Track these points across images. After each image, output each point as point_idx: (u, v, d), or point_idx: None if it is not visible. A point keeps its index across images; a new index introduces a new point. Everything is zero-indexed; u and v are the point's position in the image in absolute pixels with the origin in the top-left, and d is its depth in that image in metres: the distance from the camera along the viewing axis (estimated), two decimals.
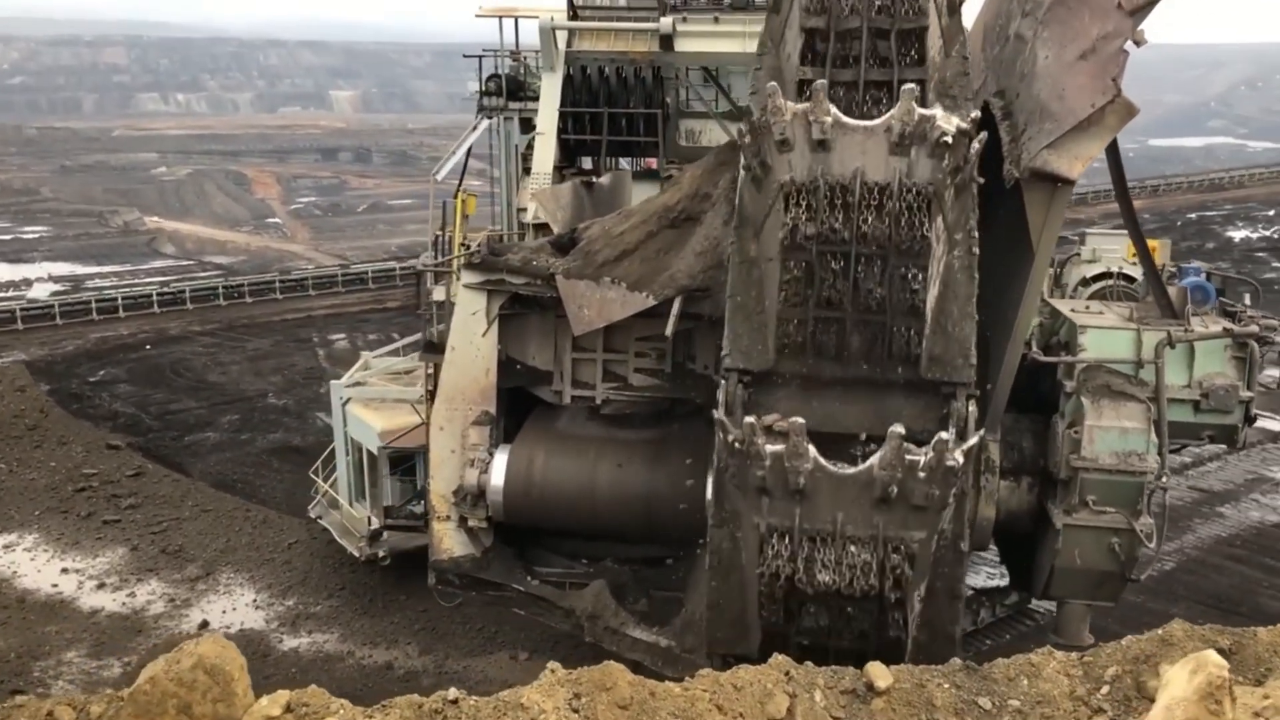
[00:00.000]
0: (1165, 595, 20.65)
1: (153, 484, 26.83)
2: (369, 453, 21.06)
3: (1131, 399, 11.82)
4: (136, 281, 51.89)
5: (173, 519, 24.76)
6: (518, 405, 14.40)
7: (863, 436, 10.80)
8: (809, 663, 8.56)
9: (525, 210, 19.34)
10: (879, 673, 8.32)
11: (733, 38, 19.56)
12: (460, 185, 21.76)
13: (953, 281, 10.48)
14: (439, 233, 20.44)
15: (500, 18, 24.07)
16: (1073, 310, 13.21)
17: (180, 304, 45.47)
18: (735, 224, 11.04)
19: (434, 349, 14.88)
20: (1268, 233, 67.70)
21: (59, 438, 29.90)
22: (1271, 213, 74.48)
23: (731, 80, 24.01)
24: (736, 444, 10.25)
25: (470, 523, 13.94)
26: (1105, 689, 8.19)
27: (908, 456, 9.96)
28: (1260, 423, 13.31)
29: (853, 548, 10.41)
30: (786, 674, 8.34)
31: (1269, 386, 13.45)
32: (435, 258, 19.62)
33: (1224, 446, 13.98)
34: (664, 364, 14.04)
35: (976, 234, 10.51)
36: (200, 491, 26.43)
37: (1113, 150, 11.89)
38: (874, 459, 10.08)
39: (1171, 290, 13.00)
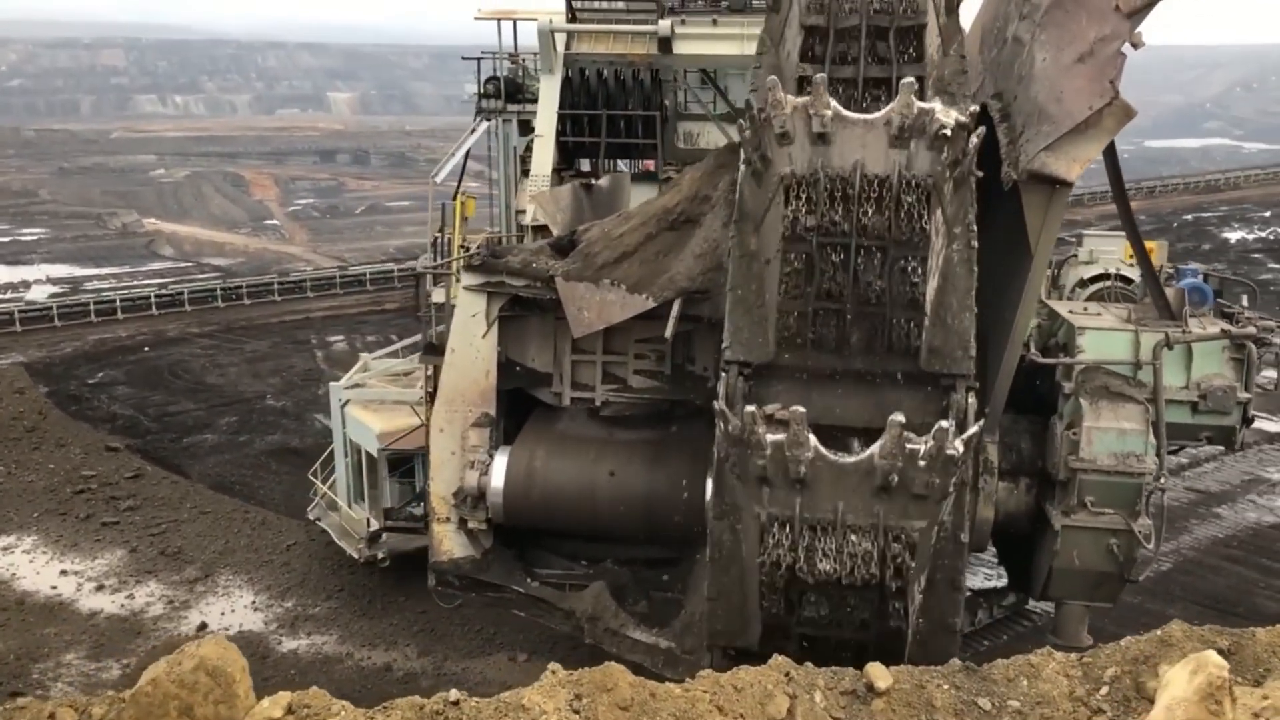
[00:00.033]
0: (1162, 596, 20.70)
1: (151, 486, 26.83)
2: (368, 454, 21.07)
3: (1130, 400, 11.85)
4: (135, 283, 51.85)
5: (171, 521, 24.76)
6: (517, 407, 14.42)
7: (862, 429, 10.83)
8: (809, 663, 8.58)
9: (524, 212, 19.37)
10: (879, 673, 8.34)
11: (731, 40, 19.61)
12: (459, 187, 21.80)
13: (952, 274, 10.52)
14: (438, 235, 20.47)
15: (499, 20, 24.13)
16: (1071, 311, 13.23)
17: (178, 306, 45.43)
18: (735, 218, 11.08)
19: (434, 351, 14.89)
20: (1263, 234, 67.79)
21: (57, 439, 29.90)
22: (1267, 214, 74.58)
23: (729, 82, 24.08)
24: (737, 434, 10.27)
25: (470, 524, 13.95)
26: (1104, 689, 8.22)
27: (908, 445, 9.97)
28: (1257, 424, 13.34)
29: (853, 537, 10.41)
30: (787, 675, 8.36)
31: (1266, 388, 13.48)
32: (434, 260, 19.65)
33: (1221, 447, 14.01)
34: (663, 366, 14.08)
35: (975, 228, 10.55)
36: (199, 493, 26.44)
37: (1110, 152, 11.93)
38: (874, 448, 10.09)
39: (1169, 292, 13.03)
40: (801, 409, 10.03)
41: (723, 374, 10.96)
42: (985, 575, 19.74)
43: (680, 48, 19.81)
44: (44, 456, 28.63)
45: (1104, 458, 11.71)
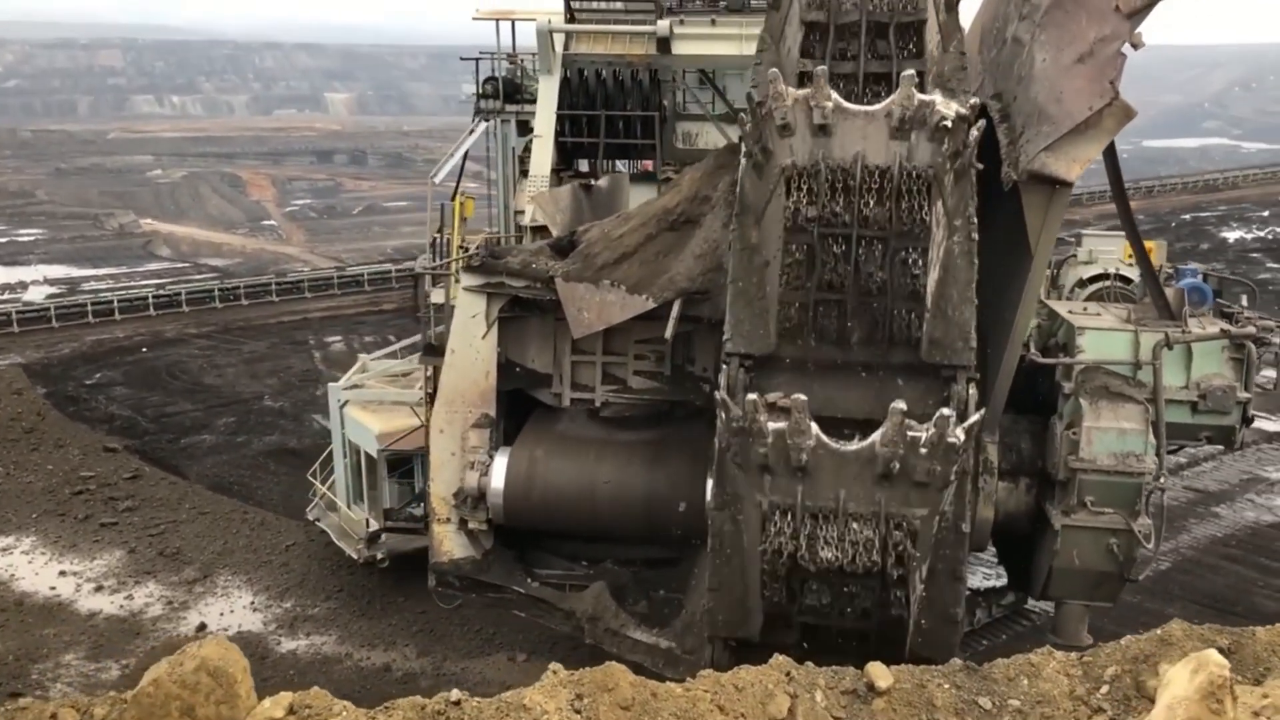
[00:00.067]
0: (1161, 595, 20.72)
1: (150, 486, 26.82)
2: (367, 455, 21.06)
3: (1129, 400, 11.86)
4: (132, 284, 51.81)
5: (170, 521, 24.75)
6: (517, 408, 14.42)
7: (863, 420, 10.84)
8: (809, 663, 8.58)
9: (523, 213, 19.37)
10: (880, 673, 8.34)
11: (729, 40, 19.63)
12: (458, 188, 21.79)
13: (953, 266, 10.55)
14: (436, 235, 20.46)
15: (497, 20, 24.11)
16: (1070, 312, 13.24)
17: (176, 306, 45.42)
18: (736, 211, 11.11)
19: (433, 352, 14.89)
20: (1262, 233, 67.86)
21: (56, 440, 29.88)
22: (1266, 214, 74.66)
23: (728, 82, 24.10)
24: (738, 422, 10.28)
25: (470, 525, 13.96)
26: (1105, 689, 8.22)
27: (909, 433, 10.00)
28: (1256, 423, 13.35)
29: (855, 524, 10.43)
30: (788, 674, 8.36)
31: (1265, 387, 13.50)
32: (433, 260, 19.63)
33: (1219, 446, 14.02)
34: (663, 366, 14.09)
35: (976, 220, 10.58)
36: (197, 494, 26.43)
37: (1110, 153, 11.94)
38: (876, 435, 10.12)
39: (1169, 292, 13.04)
40: (803, 397, 10.07)
41: (724, 366, 10.98)
42: (983, 575, 19.76)
43: (679, 48, 19.82)
44: (42, 457, 28.61)
45: (1104, 458, 11.72)
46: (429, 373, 15.13)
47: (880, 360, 11.00)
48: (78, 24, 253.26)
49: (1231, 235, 66.96)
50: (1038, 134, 10.75)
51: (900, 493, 10.30)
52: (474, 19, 24.04)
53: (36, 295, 49.78)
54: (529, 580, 14.11)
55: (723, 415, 10.47)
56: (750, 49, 15.95)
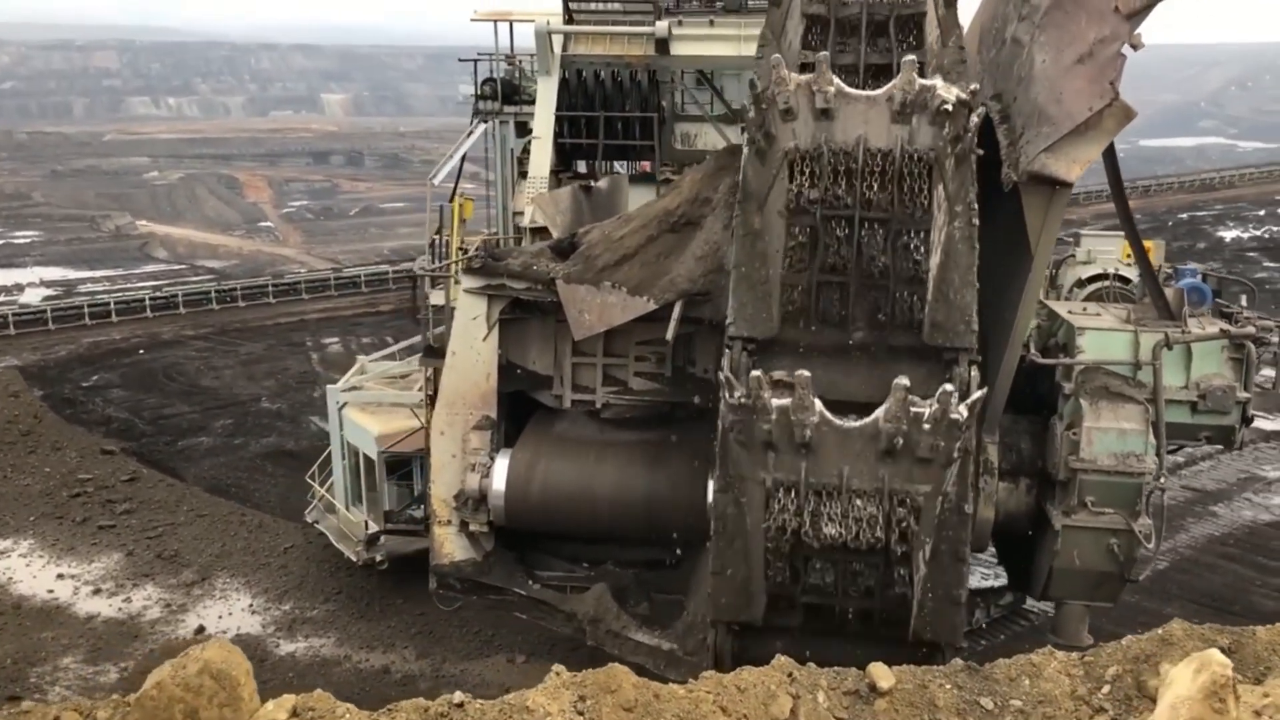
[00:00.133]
0: (1159, 595, 20.73)
1: (147, 489, 26.76)
2: (366, 457, 21.04)
3: (1130, 400, 11.90)
4: (129, 286, 51.74)
5: (168, 524, 24.69)
6: (518, 410, 14.43)
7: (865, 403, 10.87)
8: (811, 664, 8.59)
9: (521, 214, 19.38)
10: (881, 673, 8.35)
11: (727, 41, 19.66)
12: (456, 189, 21.79)
13: (954, 251, 10.64)
14: (435, 237, 20.45)
15: (495, 21, 24.09)
16: (1070, 312, 13.27)
17: (173, 308, 45.31)
18: (739, 198, 11.18)
19: (434, 353, 14.89)
20: (1259, 232, 67.95)
21: (53, 443, 29.81)
22: (1262, 213, 74.77)
23: (726, 83, 24.12)
24: (743, 399, 10.31)
25: (471, 527, 13.98)
26: (1106, 688, 8.23)
27: (912, 409, 10.05)
28: (1254, 422, 13.37)
29: (859, 501, 10.48)
30: (790, 675, 8.37)
31: (1264, 387, 13.52)
32: (432, 262, 19.63)
33: (1217, 445, 14.06)
34: (664, 368, 14.10)
35: (976, 205, 10.67)
36: (195, 496, 26.36)
37: (1109, 153, 11.96)
38: (879, 411, 10.19)
39: (1168, 292, 13.07)
40: (806, 373, 10.13)
41: (726, 349, 11.03)
42: (981, 574, 19.77)
43: (677, 49, 19.85)
44: (40, 460, 28.55)
45: (1104, 458, 11.75)
46: (429, 375, 15.13)
47: (882, 343, 11.07)
48: (73, 25, 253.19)
49: (1228, 234, 67.02)
50: (1038, 135, 10.78)
51: (903, 469, 10.36)
52: (472, 20, 24.02)
53: (33, 297, 49.71)
54: (530, 582, 14.13)
55: (726, 396, 10.51)
56: (748, 49, 16.00)
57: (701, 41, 19.95)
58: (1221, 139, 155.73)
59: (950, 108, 10.41)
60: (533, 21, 20.45)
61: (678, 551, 13.92)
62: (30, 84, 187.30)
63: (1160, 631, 8.60)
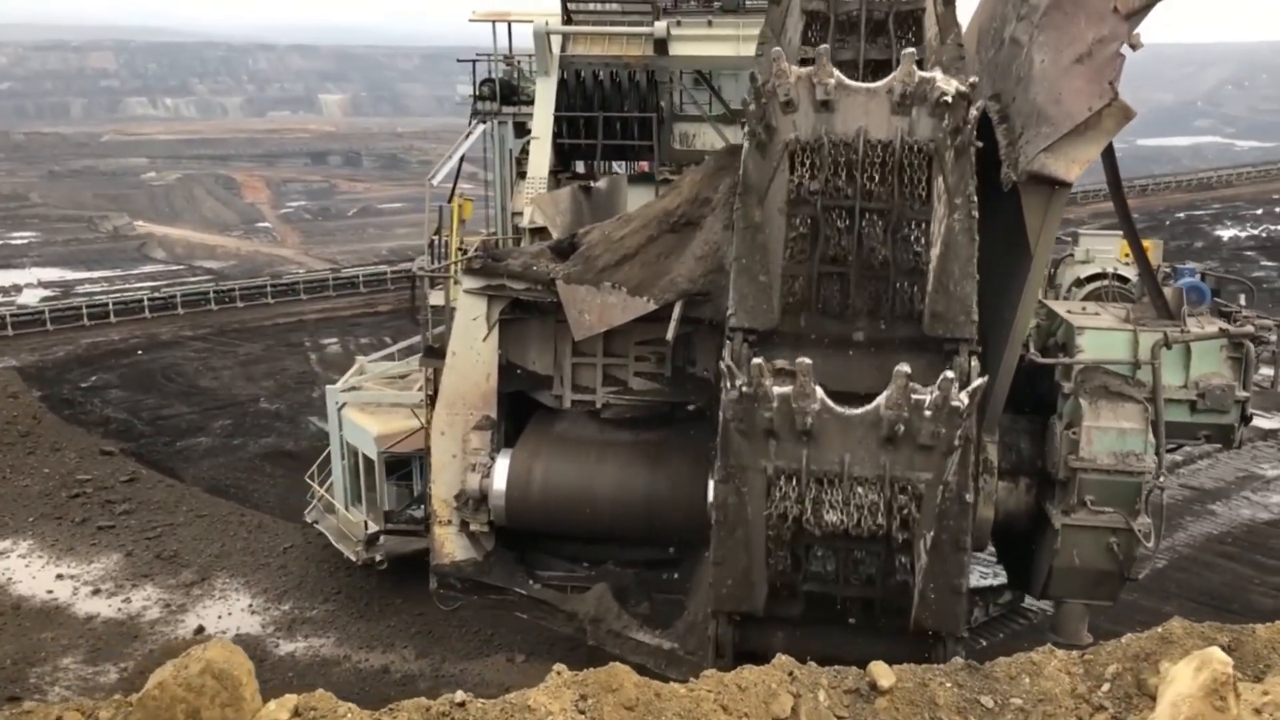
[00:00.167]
0: (1158, 593, 20.74)
1: (146, 489, 26.75)
2: (365, 457, 21.04)
3: (1129, 399, 11.92)
4: (127, 287, 51.72)
5: (167, 524, 24.68)
6: (518, 410, 14.44)
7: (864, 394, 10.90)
8: (812, 663, 8.61)
9: (520, 214, 19.39)
10: (882, 672, 8.37)
11: (726, 41, 19.67)
12: (455, 190, 21.79)
13: (954, 243, 10.70)
14: (435, 237, 20.46)
15: (494, 22, 24.08)
16: (1069, 311, 13.29)
17: (171, 309, 45.29)
18: (740, 191, 11.23)
19: (434, 354, 14.90)
20: (1256, 231, 68.04)
21: (52, 444, 29.79)
22: (1259, 211, 74.87)
23: (724, 83, 24.13)
24: (744, 388, 10.35)
25: (472, 527, 13.99)
26: (1106, 686, 8.25)
27: (913, 396, 10.09)
28: (1252, 421, 13.40)
29: (860, 488, 10.52)
30: (790, 674, 8.39)
31: (1263, 385, 13.55)
32: (431, 262, 19.64)
33: (1216, 444, 14.09)
34: (664, 368, 14.12)
35: (976, 198, 10.71)
36: (194, 497, 26.35)
37: (1108, 153, 11.99)
38: (880, 398, 10.23)
39: (1167, 291, 13.09)
40: (808, 361, 10.17)
41: (727, 341, 11.07)
42: (980, 573, 19.79)
43: (676, 49, 19.86)
44: (39, 461, 28.54)
45: (1104, 457, 11.78)
46: (429, 375, 15.14)
47: (882, 335, 11.12)
48: (70, 26, 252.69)
49: (1225, 233, 67.10)
50: (1037, 135, 10.82)
51: (905, 456, 10.40)
52: (470, 20, 24.00)
53: (31, 298, 49.67)
54: (531, 582, 14.14)
55: (727, 385, 10.55)
56: (746, 49, 16.03)
57: (700, 42, 19.97)
58: (1218, 138, 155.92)
59: (950, 99, 10.48)
60: (531, 22, 20.45)
61: (671, 550, 13.95)
62: (27, 85, 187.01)
63: (1160, 630, 8.63)
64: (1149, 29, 10.45)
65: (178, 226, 73.56)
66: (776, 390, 10.26)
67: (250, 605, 21.21)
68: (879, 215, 10.91)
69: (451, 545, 14.18)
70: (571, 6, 20.53)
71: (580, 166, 22.88)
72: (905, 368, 10.07)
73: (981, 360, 10.94)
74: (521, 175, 21.20)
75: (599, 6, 21.19)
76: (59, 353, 39.66)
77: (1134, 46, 10.19)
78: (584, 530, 13.99)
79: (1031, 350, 12.71)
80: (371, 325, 43.85)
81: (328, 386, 22.98)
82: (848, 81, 10.80)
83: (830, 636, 11.39)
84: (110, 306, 44.44)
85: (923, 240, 10.88)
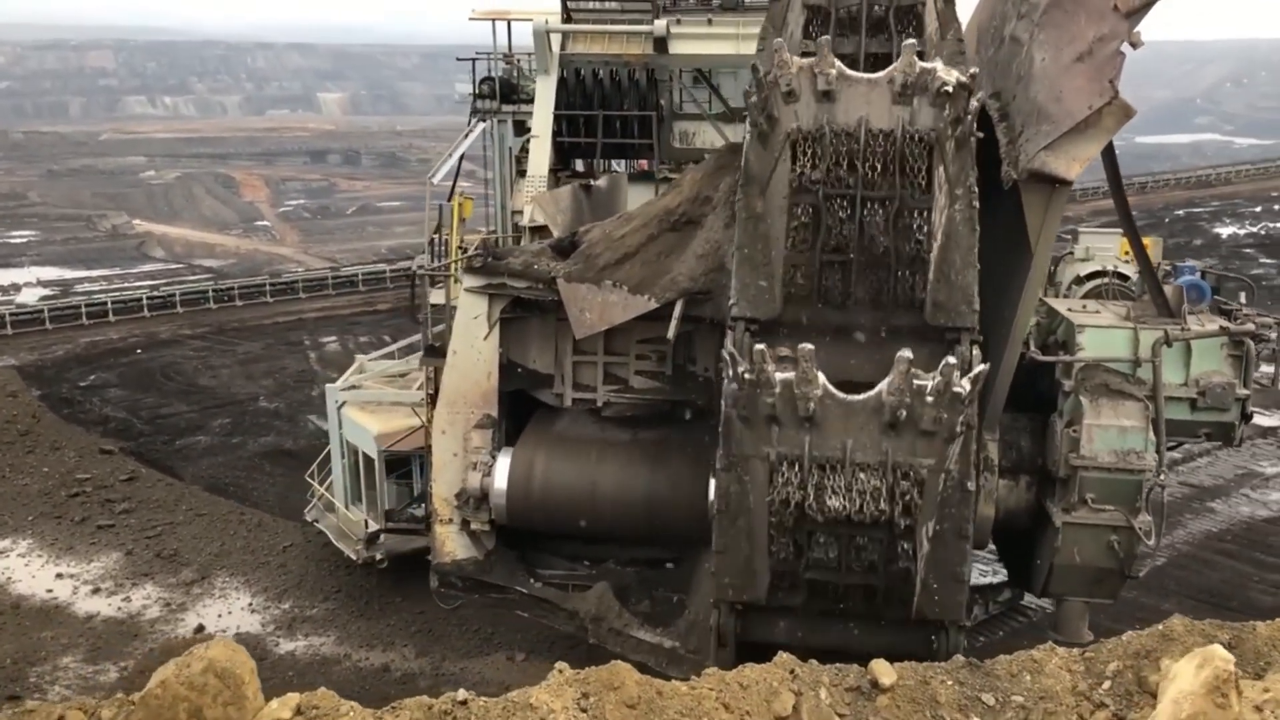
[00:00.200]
0: (1157, 590, 20.77)
1: (146, 488, 26.77)
2: (365, 456, 21.05)
3: (1129, 397, 11.92)
4: (126, 285, 51.73)
5: (167, 523, 24.70)
6: (519, 408, 14.43)
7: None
8: (814, 661, 8.62)
9: (520, 213, 19.41)
10: (883, 670, 8.38)
11: (726, 39, 19.70)
12: (454, 188, 21.79)
13: (955, 233, 10.73)
14: (435, 236, 20.47)
15: (493, 20, 24.09)
16: (1070, 309, 13.29)
17: (170, 308, 45.32)
18: (741, 182, 11.25)
19: (434, 352, 14.89)
20: (1255, 229, 68.09)
21: (51, 443, 29.81)
22: (1258, 209, 74.94)
23: (724, 81, 24.14)
24: (747, 374, 10.36)
25: (472, 525, 13.97)
26: (1107, 684, 8.27)
27: (915, 381, 10.11)
28: (1253, 419, 13.41)
29: (862, 474, 10.52)
30: (792, 672, 8.40)
31: (1263, 383, 13.55)
32: (431, 261, 19.64)
33: (1216, 442, 14.09)
34: (665, 366, 14.10)
35: (976, 188, 10.74)
36: (194, 495, 26.37)
37: (1108, 151, 11.99)
38: (883, 384, 10.26)
39: (1167, 289, 13.09)
40: (810, 346, 10.18)
41: (729, 330, 11.09)
42: (979, 571, 19.79)
43: (675, 47, 19.89)
44: (38, 460, 28.55)
45: (1104, 455, 11.78)
46: (430, 374, 15.13)
47: (884, 324, 11.14)
48: (69, 25, 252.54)
49: (1225, 231, 67.16)
50: (1037, 133, 10.82)
51: (907, 442, 10.42)
52: (470, 19, 24.02)
53: (30, 297, 49.68)
54: (532, 581, 14.12)
55: (729, 374, 10.56)
56: (746, 48, 16.04)
57: (699, 40, 20.00)
58: (1217, 135, 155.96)
59: (951, 90, 10.52)
60: (531, 20, 20.47)
61: (671, 552, 13.95)
62: (26, 84, 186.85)
63: (1161, 627, 8.64)
64: (1149, 27, 10.46)
65: (177, 225, 73.53)
66: (779, 376, 10.29)
67: (250, 604, 21.23)
68: (880, 205, 10.95)
69: (452, 544, 14.17)
70: (571, 5, 20.56)
71: (580, 165, 22.88)
72: (907, 353, 10.10)
73: (983, 351, 10.96)
74: (521, 174, 21.21)
75: (599, 5, 21.23)
76: (58, 352, 39.67)
77: (1134, 45, 10.19)
78: (584, 529, 13.99)
79: (1032, 348, 12.71)
80: (371, 324, 43.86)
81: (327, 385, 23.00)
82: (849, 72, 10.84)
83: (832, 627, 11.41)
84: (109, 305, 44.49)
85: (924, 230, 10.93)
